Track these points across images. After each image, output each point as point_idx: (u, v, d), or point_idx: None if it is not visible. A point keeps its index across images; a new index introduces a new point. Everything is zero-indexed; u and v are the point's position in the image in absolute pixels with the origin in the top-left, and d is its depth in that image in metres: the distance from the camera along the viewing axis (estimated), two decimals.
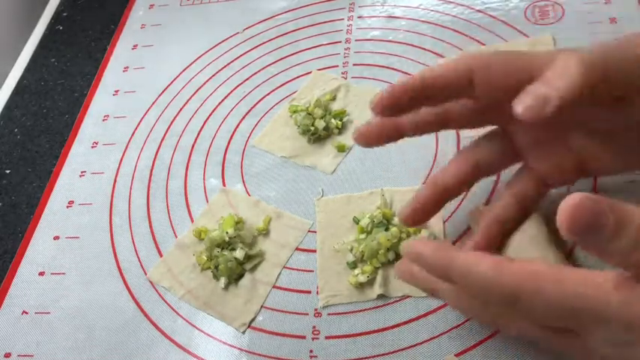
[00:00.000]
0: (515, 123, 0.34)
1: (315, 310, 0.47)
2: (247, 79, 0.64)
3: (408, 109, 0.38)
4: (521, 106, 0.32)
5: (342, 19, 0.68)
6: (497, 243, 0.41)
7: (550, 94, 0.32)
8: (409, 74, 0.60)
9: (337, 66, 0.63)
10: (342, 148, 0.56)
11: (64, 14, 0.80)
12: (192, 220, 0.54)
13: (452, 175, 0.41)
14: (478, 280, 0.32)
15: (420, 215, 0.42)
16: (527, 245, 0.41)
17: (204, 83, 0.65)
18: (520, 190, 0.41)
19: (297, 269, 0.49)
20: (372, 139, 0.41)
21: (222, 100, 0.63)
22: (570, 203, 0.26)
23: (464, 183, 0.41)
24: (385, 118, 0.39)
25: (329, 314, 0.46)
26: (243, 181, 0.56)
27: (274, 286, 0.49)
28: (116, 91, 0.68)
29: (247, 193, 0.55)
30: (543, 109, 0.31)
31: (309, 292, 0.48)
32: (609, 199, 0.26)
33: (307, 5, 0.70)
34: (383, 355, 0.44)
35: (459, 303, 0.37)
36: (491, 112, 0.40)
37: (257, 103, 0.62)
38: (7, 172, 0.63)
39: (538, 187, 0.41)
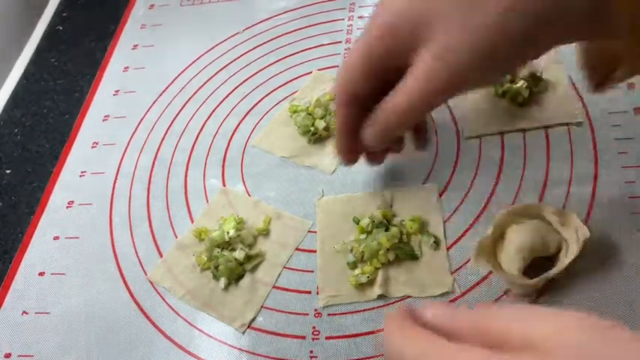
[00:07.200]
0: None
1: (315, 310, 0.47)
2: (247, 79, 0.64)
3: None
4: (365, 135, 0.34)
5: (343, 19, 0.68)
6: None
7: (388, 120, 0.33)
8: None
9: (337, 66, 0.63)
10: None
11: (64, 14, 0.80)
12: (192, 221, 0.54)
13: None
14: None
15: (346, 144, 0.43)
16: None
17: (205, 83, 0.65)
18: None
19: (297, 269, 0.49)
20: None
21: (223, 100, 0.63)
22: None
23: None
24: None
25: (329, 314, 0.46)
26: (244, 182, 0.56)
27: (274, 287, 0.48)
28: (116, 91, 0.67)
29: (247, 193, 0.55)
30: (384, 136, 0.34)
31: (309, 292, 0.48)
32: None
33: (307, 5, 0.70)
34: (383, 355, 0.44)
35: None
36: None
37: (257, 103, 0.62)
38: (7, 172, 0.63)
39: None
